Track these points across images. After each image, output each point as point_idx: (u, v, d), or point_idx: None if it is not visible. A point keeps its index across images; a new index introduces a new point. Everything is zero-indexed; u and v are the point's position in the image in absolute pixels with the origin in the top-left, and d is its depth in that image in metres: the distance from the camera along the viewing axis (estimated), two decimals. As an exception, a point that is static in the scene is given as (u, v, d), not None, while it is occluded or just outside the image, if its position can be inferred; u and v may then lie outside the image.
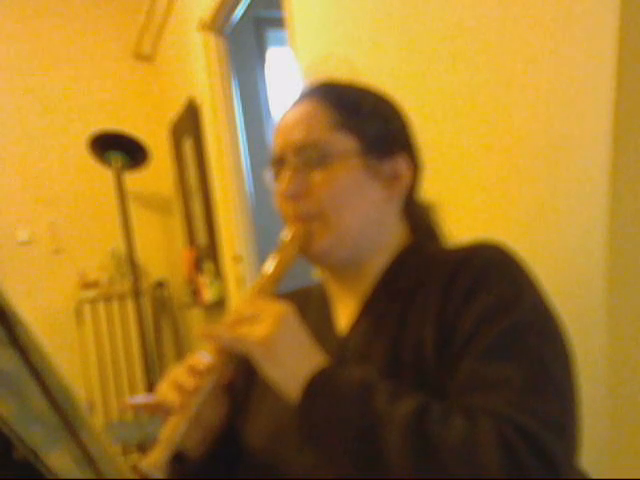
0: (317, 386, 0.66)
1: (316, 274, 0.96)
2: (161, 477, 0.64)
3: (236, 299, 2.95)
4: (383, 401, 0.63)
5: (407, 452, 0.60)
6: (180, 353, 3.71)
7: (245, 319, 0.69)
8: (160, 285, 3.74)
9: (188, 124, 3.25)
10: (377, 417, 0.62)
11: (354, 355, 0.78)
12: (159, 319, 3.73)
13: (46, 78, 3.63)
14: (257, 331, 0.68)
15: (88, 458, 0.54)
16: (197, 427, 0.77)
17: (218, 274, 3.12)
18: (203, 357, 0.73)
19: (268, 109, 3.17)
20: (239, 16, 2.75)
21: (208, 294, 3.15)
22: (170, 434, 0.68)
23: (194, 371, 0.72)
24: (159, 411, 0.74)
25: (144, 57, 3.78)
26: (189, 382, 0.71)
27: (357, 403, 0.64)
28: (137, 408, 0.80)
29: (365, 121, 0.82)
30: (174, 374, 0.74)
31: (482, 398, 0.63)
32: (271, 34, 3.28)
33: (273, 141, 0.85)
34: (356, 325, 0.81)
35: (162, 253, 3.83)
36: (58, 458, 0.52)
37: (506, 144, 1.18)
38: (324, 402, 0.65)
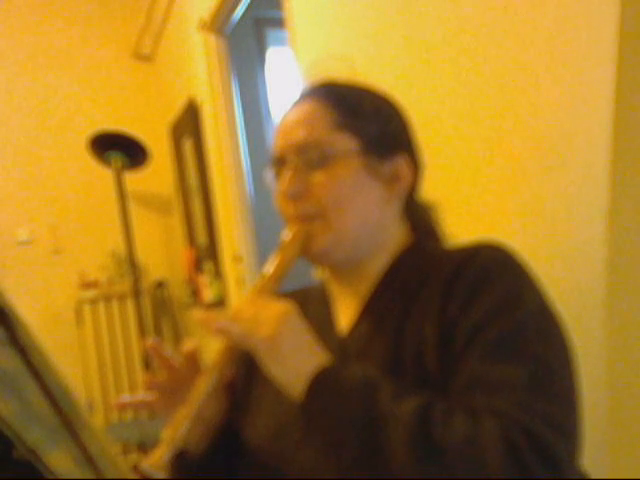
0: (321, 384, 0.66)
1: (316, 274, 0.96)
2: (164, 477, 0.64)
3: (236, 299, 2.95)
4: (386, 400, 0.63)
5: (410, 451, 0.60)
6: (180, 353, 3.71)
7: (246, 319, 0.69)
8: (160, 285, 3.74)
9: (188, 124, 3.25)
10: (380, 415, 0.62)
11: (355, 355, 0.78)
12: (159, 319, 3.72)
13: (46, 78, 3.63)
14: (261, 329, 0.68)
15: (88, 458, 0.54)
16: (198, 424, 0.77)
17: (218, 274, 3.12)
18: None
19: (268, 109, 3.17)
20: (239, 16, 2.75)
21: (208, 294, 3.15)
22: (172, 434, 0.68)
23: None
24: (145, 408, 0.75)
25: (144, 57, 3.78)
26: None
27: (360, 401, 0.64)
28: (124, 407, 0.81)
29: (366, 121, 0.81)
30: None
31: (485, 398, 0.63)
32: (271, 34, 3.28)
33: (274, 141, 0.84)
34: (357, 325, 0.81)
35: (162, 253, 3.83)
36: (58, 458, 0.52)
37: (506, 145, 1.18)
38: (328, 400, 0.65)
